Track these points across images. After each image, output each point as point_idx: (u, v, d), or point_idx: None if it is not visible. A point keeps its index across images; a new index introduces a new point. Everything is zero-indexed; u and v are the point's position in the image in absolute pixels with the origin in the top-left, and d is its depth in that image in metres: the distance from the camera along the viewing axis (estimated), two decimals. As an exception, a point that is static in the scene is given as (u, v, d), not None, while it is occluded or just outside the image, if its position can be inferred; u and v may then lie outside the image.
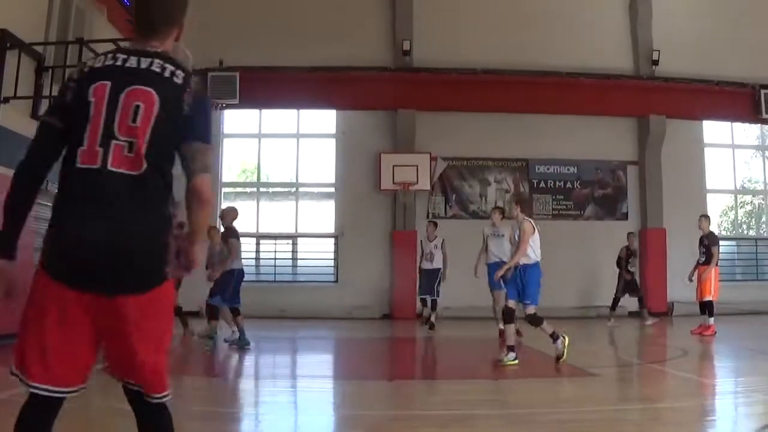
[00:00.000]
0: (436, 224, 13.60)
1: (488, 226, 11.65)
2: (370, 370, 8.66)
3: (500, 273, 8.64)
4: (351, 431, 5.07)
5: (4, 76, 9.81)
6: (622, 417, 5.42)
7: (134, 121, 2.40)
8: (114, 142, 2.38)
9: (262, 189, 18.42)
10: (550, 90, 17.04)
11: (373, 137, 17.40)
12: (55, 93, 10.68)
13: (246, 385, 7.84)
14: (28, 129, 10.29)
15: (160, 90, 2.46)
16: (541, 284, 8.28)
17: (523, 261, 8.19)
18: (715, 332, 11.68)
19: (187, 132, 2.48)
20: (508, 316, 8.20)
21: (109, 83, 2.45)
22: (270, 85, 16.78)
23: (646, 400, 6.37)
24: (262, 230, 17.71)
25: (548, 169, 17.93)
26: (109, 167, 2.37)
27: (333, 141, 17.85)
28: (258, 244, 17.62)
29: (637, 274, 15.08)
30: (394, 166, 16.78)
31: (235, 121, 18.05)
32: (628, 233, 15.10)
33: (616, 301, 14.63)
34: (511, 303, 8.23)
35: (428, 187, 17.11)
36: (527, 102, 17.06)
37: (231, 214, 10.05)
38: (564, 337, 8.13)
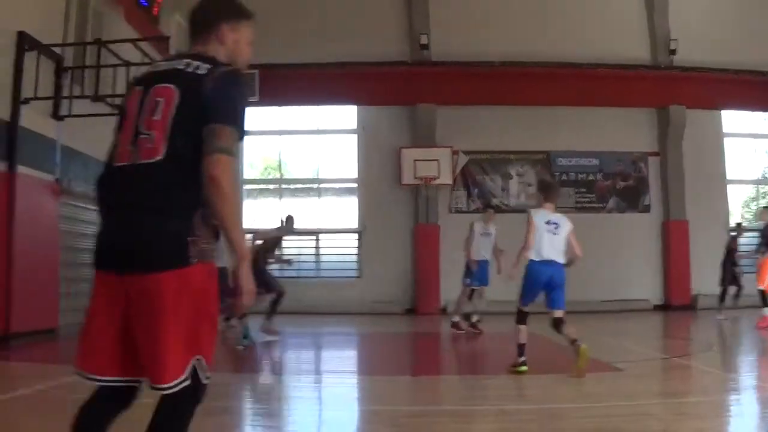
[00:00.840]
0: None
1: (480, 223, 11.62)
2: (393, 366, 8.71)
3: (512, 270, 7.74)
4: (375, 426, 5.10)
5: (24, 78, 9.97)
6: (646, 411, 5.40)
7: (154, 114, 2.55)
8: (140, 136, 2.55)
9: (284, 186, 18.52)
10: (568, 81, 16.97)
11: (394, 132, 17.43)
12: (75, 93, 10.88)
13: (270, 380, 7.91)
14: (49, 129, 10.51)
15: (180, 83, 2.58)
16: (529, 285, 7.38)
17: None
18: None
19: (206, 116, 2.53)
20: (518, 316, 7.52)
21: (141, 88, 2.66)
22: (290, 82, 16.85)
23: (670, 394, 6.36)
24: (285, 226, 17.79)
25: (570, 161, 17.85)
26: (137, 162, 2.53)
27: (354, 137, 17.91)
28: (281, 240, 17.70)
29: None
30: (415, 160, 16.80)
31: (256, 118, 18.16)
32: (737, 223, 14.60)
33: (724, 292, 14.12)
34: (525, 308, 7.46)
35: (450, 182, 17.12)
36: (546, 94, 16.99)
37: None
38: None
